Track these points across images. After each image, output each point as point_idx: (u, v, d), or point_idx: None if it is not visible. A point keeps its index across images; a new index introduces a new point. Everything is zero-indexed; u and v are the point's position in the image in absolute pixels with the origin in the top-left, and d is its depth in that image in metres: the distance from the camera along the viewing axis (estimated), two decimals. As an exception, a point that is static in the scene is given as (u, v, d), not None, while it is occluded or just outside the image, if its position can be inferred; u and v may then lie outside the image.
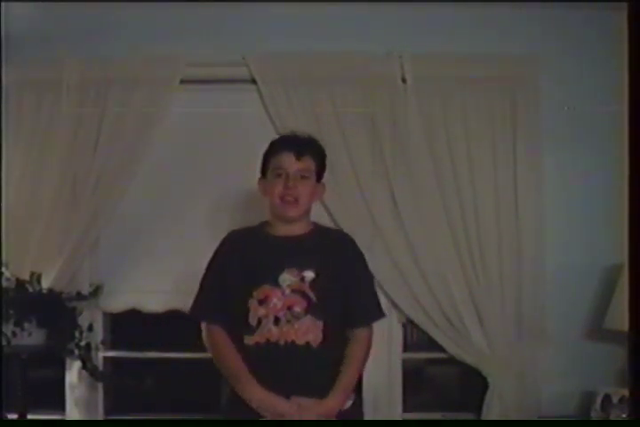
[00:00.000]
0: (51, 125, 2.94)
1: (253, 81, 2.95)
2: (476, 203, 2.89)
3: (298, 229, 2.32)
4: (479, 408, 2.89)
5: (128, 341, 3.14)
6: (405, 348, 3.03)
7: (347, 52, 2.92)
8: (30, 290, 2.77)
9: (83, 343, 2.84)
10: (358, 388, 2.97)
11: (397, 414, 2.98)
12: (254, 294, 2.22)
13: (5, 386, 2.72)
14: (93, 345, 2.91)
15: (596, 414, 2.78)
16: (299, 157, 2.27)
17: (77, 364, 2.91)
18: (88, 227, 2.92)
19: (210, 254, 2.37)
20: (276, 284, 2.22)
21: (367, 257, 2.87)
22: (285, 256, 2.27)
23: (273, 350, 2.20)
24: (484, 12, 2.92)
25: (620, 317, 2.66)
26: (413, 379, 3.12)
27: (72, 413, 3.00)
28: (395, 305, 2.92)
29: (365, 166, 2.91)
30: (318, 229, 2.37)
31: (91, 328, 2.89)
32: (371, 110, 2.91)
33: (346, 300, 2.29)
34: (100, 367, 2.98)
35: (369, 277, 2.41)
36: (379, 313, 2.38)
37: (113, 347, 3.11)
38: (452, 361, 2.95)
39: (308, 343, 2.20)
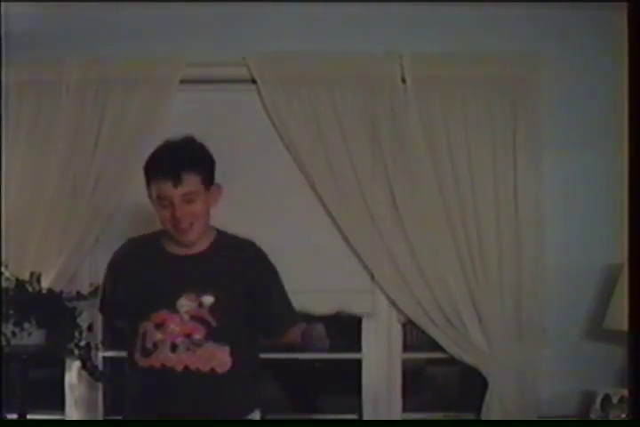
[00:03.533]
0: (51, 125, 2.94)
1: (253, 81, 2.95)
2: (476, 203, 2.89)
3: (197, 246, 2.20)
4: (479, 408, 2.89)
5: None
6: (405, 348, 3.03)
7: (347, 52, 2.92)
8: (30, 290, 2.77)
9: (82, 343, 2.84)
10: (358, 388, 2.99)
11: (397, 414, 2.98)
12: (152, 317, 2.15)
13: (5, 386, 2.73)
14: (93, 345, 2.91)
15: (595, 414, 2.78)
16: (176, 183, 2.08)
17: (77, 364, 2.90)
18: (88, 227, 2.92)
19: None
20: (173, 309, 2.14)
21: (367, 257, 2.91)
22: (183, 279, 2.17)
23: (169, 376, 2.12)
24: (484, 12, 2.92)
25: (620, 317, 2.66)
26: (413, 379, 3.12)
27: (72, 413, 3.00)
28: (395, 305, 2.93)
29: (365, 166, 2.91)
30: (220, 242, 2.23)
31: (90, 328, 2.89)
32: (371, 110, 2.91)
33: (257, 314, 2.20)
34: (100, 367, 2.98)
35: (279, 288, 2.29)
36: (294, 320, 2.34)
37: (113, 347, 3.11)
38: (451, 361, 2.95)
39: (213, 370, 2.13)
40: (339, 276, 2.95)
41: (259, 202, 2.96)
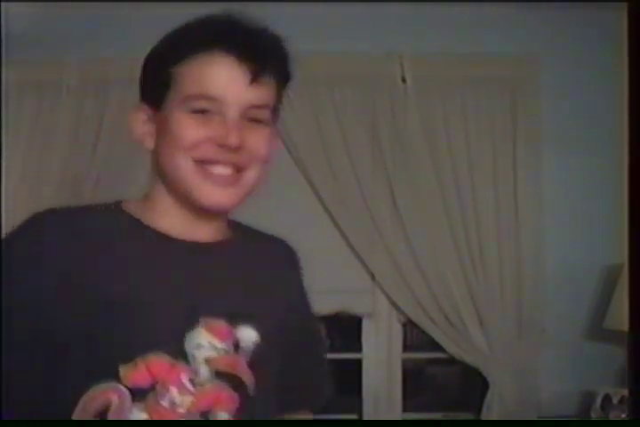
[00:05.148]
0: (51, 125, 2.94)
1: (253, 81, 2.95)
2: (476, 203, 2.89)
3: (213, 232, 1.22)
4: (479, 408, 2.89)
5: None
6: (405, 348, 3.03)
7: (347, 52, 2.92)
8: (30, 290, 2.76)
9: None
10: (358, 387, 2.99)
11: (397, 414, 2.98)
12: (122, 372, 1.02)
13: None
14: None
15: (595, 414, 2.77)
16: (257, 76, 1.12)
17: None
18: (88, 227, 2.91)
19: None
20: (178, 352, 1.05)
21: (367, 257, 2.91)
22: (200, 286, 1.13)
23: None
24: (484, 12, 2.92)
25: (620, 317, 2.66)
26: (413, 379, 3.12)
27: (72, 413, 3.00)
28: (395, 305, 2.93)
29: (365, 166, 2.91)
30: (243, 233, 1.31)
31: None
32: (371, 110, 2.91)
33: (292, 368, 1.27)
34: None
35: (318, 328, 1.45)
36: (323, 395, 1.43)
37: None
38: (452, 361, 2.95)
39: None
40: (339, 276, 2.95)
41: (258, 202, 2.95)
